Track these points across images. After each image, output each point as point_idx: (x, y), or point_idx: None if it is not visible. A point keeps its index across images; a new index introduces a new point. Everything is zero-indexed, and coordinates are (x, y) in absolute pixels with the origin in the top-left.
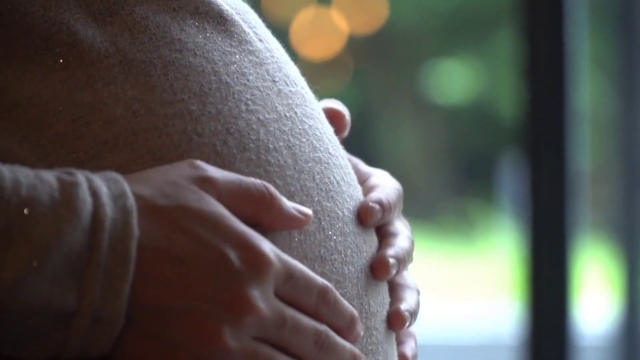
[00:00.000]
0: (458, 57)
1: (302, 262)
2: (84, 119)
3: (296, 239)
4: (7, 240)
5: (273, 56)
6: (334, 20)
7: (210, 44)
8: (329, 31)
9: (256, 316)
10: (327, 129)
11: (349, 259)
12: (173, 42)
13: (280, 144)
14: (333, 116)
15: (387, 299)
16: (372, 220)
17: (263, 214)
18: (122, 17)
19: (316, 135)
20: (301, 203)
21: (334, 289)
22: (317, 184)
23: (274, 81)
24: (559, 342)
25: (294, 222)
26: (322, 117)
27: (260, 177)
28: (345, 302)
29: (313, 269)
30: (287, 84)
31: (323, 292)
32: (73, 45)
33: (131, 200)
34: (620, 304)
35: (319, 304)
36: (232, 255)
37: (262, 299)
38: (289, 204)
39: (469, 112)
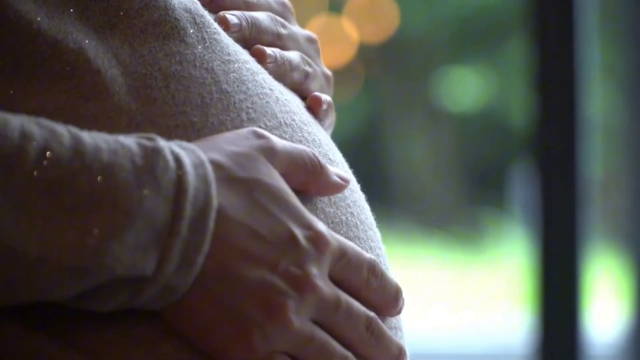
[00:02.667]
0: (469, 65)
1: None
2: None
3: None
4: (90, 206)
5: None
6: (345, 29)
7: (209, 54)
8: (339, 40)
9: (316, 295)
10: (324, 135)
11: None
12: (173, 54)
13: None
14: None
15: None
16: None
17: (312, 182)
18: (122, 30)
19: (315, 141)
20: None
21: (379, 263)
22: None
23: (271, 89)
24: (570, 351)
25: (337, 189)
26: (318, 124)
27: None
28: (391, 276)
29: None
30: (282, 92)
31: (372, 267)
32: (79, 52)
33: (210, 170)
34: (631, 312)
35: (369, 279)
36: (299, 234)
37: (322, 278)
38: (332, 171)
39: (480, 120)
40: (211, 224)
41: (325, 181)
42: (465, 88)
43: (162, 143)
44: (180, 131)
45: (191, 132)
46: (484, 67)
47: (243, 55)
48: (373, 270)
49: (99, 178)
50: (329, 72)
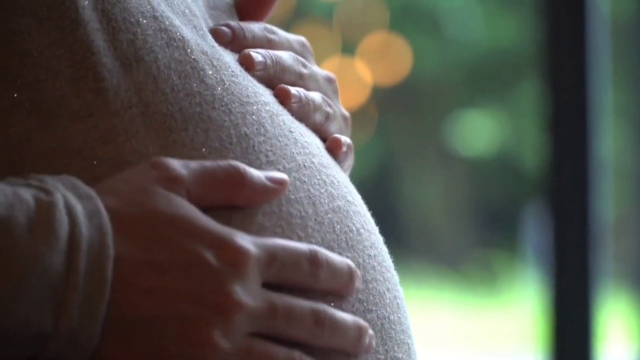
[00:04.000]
0: (482, 107)
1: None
2: (106, 175)
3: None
4: None
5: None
6: (358, 71)
7: (228, 96)
8: (353, 82)
9: (244, 312)
10: (343, 177)
11: (371, 306)
12: (193, 95)
13: (301, 194)
14: None
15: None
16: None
17: (236, 194)
18: (147, 63)
19: (334, 183)
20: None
21: (321, 250)
22: (337, 235)
23: (291, 131)
24: None
25: (270, 194)
26: (337, 166)
27: (282, 230)
28: (338, 257)
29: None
30: (302, 134)
31: (313, 258)
32: (98, 92)
33: (105, 218)
34: None
35: (313, 271)
36: (209, 255)
37: (247, 293)
38: (260, 176)
39: (493, 162)
40: (109, 272)
41: (251, 189)
42: (477, 130)
43: (58, 196)
44: None
45: None
46: (496, 109)
47: (263, 96)
48: (315, 261)
49: None
50: (346, 113)
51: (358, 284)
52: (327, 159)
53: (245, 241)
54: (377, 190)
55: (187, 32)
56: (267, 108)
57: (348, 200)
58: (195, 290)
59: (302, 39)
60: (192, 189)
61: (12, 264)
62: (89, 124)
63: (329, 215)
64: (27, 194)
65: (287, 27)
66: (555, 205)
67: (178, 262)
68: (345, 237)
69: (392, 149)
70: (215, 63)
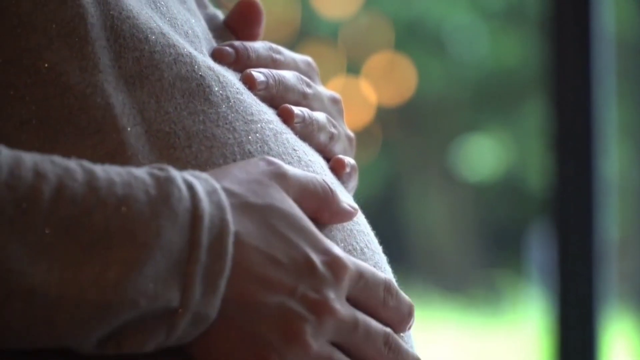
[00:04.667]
0: (486, 128)
1: None
2: None
3: None
4: (108, 241)
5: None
6: (363, 91)
7: (232, 114)
8: (358, 102)
9: (334, 318)
10: (347, 197)
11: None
12: (197, 113)
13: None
14: (246, 8)
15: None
16: None
17: (324, 209)
18: (152, 82)
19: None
20: None
21: (394, 281)
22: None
23: (294, 149)
24: None
25: (347, 216)
26: (341, 186)
27: None
28: (404, 295)
29: None
30: (305, 153)
31: (388, 286)
32: (106, 108)
33: (223, 196)
34: None
35: (385, 298)
36: (317, 259)
37: (340, 302)
38: (343, 199)
39: (498, 183)
40: (230, 248)
41: (337, 207)
42: (482, 150)
43: (174, 172)
44: None
45: None
46: (501, 128)
47: (267, 114)
48: (389, 290)
49: (114, 212)
50: (351, 134)
51: (413, 322)
52: (330, 178)
53: (344, 255)
54: (381, 210)
55: (192, 49)
56: (271, 126)
57: (353, 220)
58: (300, 287)
59: (308, 58)
60: (293, 191)
61: (135, 241)
62: (96, 139)
63: (332, 233)
64: (141, 172)
65: (292, 47)
66: (560, 225)
67: (290, 258)
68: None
69: (396, 169)
70: (221, 79)
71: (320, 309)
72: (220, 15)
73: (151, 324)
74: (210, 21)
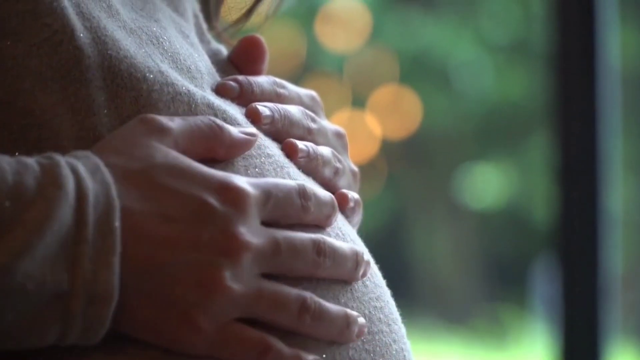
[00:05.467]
0: (491, 161)
1: None
2: None
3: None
4: (1, 227)
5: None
6: (368, 124)
7: None
8: (363, 135)
9: (251, 252)
10: (350, 230)
11: (377, 357)
12: None
13: None
14: (250, 46)
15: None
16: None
17: (217, 147)
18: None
19: (339, 235)
20: (334, 297)
21: (306, 184)
22: (342, 285)
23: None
24: None
25: (245, 146)
26: (345, 220)
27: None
28: (321, 190)
29: None
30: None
31: (302, 191)
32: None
33: (106, 173)
34: None
35: (304, 204)
36: (212, 200)
37: (251, 233)
38: (236, 130)
39: (502, 216)
40: (116, 223)
41: (230, 140)
42: (487, 184)
43: (59, 157)
44: None
45: None
46: (506, 162)
47: (268, 149)
48: (304, 195)
49: (6, 201)
50: (355, 168)
51: (337, 215)
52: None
53: (242, 182)
54: (386, 243)
55: (192, 86)
56: (271, 160)
57: None
58: (204, 236)
59: (313, 93)
60: (179, 141)
61: (27, 225)
62: None
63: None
64: (30, 160)
65: (297, 81)
66: (564, 258)
67: (184, 209)
68: (351, 288)
69: (401, 202)
70: (220, 115)
71: (232, 248)
72: (224, 50)
73: (47, 311)
74: (214, 56)
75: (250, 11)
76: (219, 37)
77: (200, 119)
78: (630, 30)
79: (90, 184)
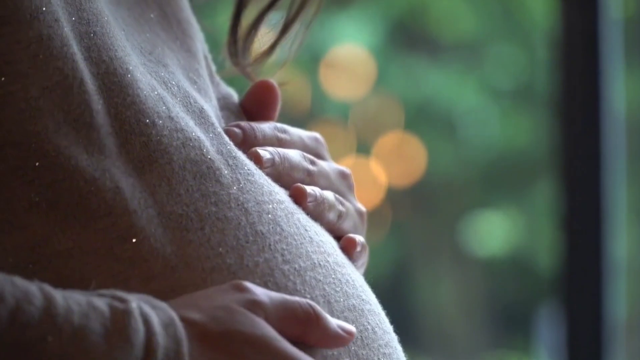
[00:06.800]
0: (496, 208)
1: None
2: (123, 274)
3: None
4: None
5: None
6: (373, 171)
7: (244, 195)
8: (368, 182)
9: None
10: (357, 276)
11: None
12: (209, 195)
13: (317, 292)
14: (263, 90)
15: None
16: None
17: (308, 333)
18: (161, 165)
19: (348, 282)
20: (338, 353)
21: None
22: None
23: (306, 230)
24: None
25: (338, 341)
26: (352, 265)
27: None
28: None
29: None
30: (317, 233)
31: None
32: (116, 192)
33: (180, 328)
34: None
35: None
36: None
37: None
38: (334, 323)
39: (508, 263)
40: None
41: (323, 332)
42: (492, 231)
43: (134, 305)
44: (216, 274)
45: (226, 275)
46: (511, 209)
47: (278, 195)
48: None
49: (69, 341)
50: (362, 208)
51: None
52: (341, 257)
53: None
54: (391, 290)
55: (202, 133)
56: (282, 206)
57: (362, 299)
58: None
59: (316, 134)
60: (270, 317)
61: None
62: (107, 222)
63: (345, 314)
64: (101, 302)
65: (302, 128)
66: (569, 305)
67: None
68: (361, 336)
69: (406, 249)
70: (230, 162)
71: None
72: (234, 94)
73: None
74: (223, 99)
75: (273, 47)
76: (243, 73)
77: (300, 303)
78: (634, 76)
79: (161, 339)
